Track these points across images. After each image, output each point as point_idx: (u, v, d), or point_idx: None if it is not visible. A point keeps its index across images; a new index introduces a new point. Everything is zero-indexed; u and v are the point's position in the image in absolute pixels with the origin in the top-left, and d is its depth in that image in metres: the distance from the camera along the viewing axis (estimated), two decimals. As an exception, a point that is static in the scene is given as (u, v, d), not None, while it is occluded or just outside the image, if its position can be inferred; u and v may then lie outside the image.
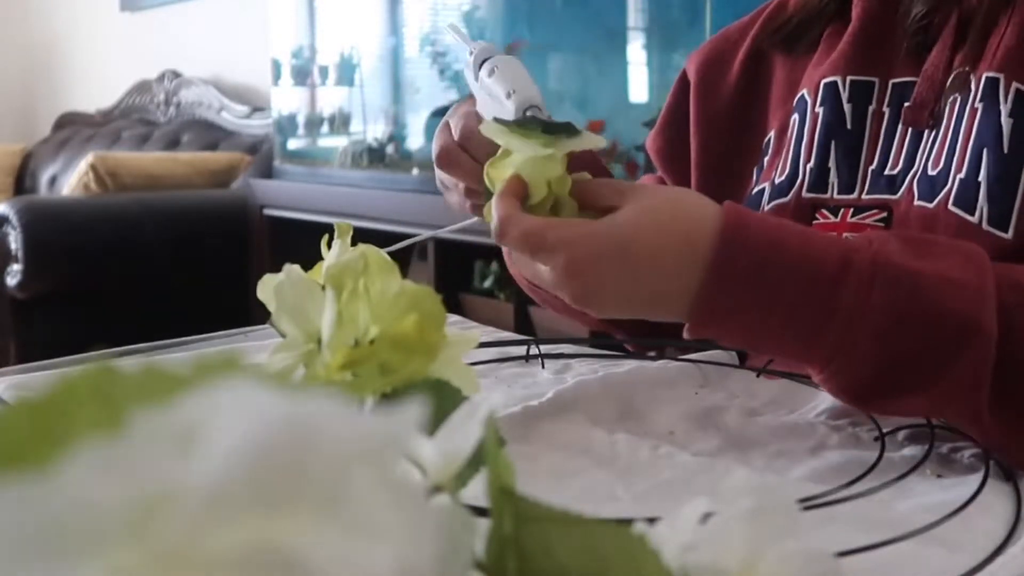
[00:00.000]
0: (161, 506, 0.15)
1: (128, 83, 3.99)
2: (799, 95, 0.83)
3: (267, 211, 2.75)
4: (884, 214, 0.75)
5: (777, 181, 0.82)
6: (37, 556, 0.14)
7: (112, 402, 0.17)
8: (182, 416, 0.16)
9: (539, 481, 0.30)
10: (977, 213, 0.68)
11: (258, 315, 0.75)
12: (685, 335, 0.59)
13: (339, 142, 2.76)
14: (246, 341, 0.84)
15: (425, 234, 0.88)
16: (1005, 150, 0.68)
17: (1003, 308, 0.55)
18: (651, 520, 0.25)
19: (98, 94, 4.16)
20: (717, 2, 1.83)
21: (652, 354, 0.79)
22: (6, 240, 2.62)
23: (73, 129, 4.10)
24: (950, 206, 0.69)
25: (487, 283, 2.28)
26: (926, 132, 0.74)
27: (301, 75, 2.92)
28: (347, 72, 2.79)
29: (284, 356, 0.44)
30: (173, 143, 3.50)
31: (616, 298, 0.59)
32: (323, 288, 0.46)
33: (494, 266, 2.25)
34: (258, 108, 3.35)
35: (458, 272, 2.30)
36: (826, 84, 0.80)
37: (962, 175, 0.69)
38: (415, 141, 2.58)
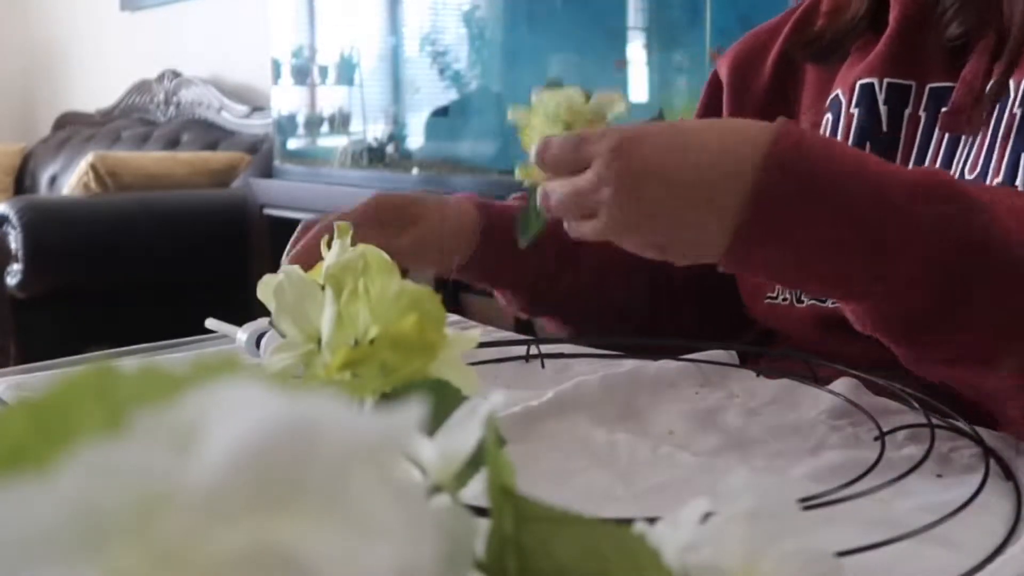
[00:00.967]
0: (161, 506, 0.15)
1: (128, 83, 3.99)
2: (833, 95, 0.83)
3: (267, 211, 2.75)
4: None
5: None
6: (37, 556, 0.14)
7: (112, 402, 0.17)
8: (182, 416, 0.16)
9: (539, 481, 0.30)
10: None
11: (258, 315, 0.75)
12: (723, 260, 0.56)
13: (339, 142, 2.76)
14: (246, 341, 0.84)
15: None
16: None
17: None
18: (651, 520, 0.25)
19: (98, 94, 4.16)
20: (717, 2, 1.83)
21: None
22: (6, 240, 2.62)
23: (73, 129, 4.10)
24: None
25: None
26: (963, 138, 0.74)
27: (301, 75, 2.91)
28: (347, 72, 2.79)
29: (284, 356, 0.44)
30: (173, 143, 3.50)
31: (660, 186, 0.55)
32: (323, 288, 0.46)
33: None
34: (258, 108, 3.35)
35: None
36: (862, 85, 0.80)
37: (999, 179, 0.69)
38: (415, 141, 2.58)
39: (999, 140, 0.70)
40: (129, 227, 2.74)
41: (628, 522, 0.25)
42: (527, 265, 0.85)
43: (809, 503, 0.44)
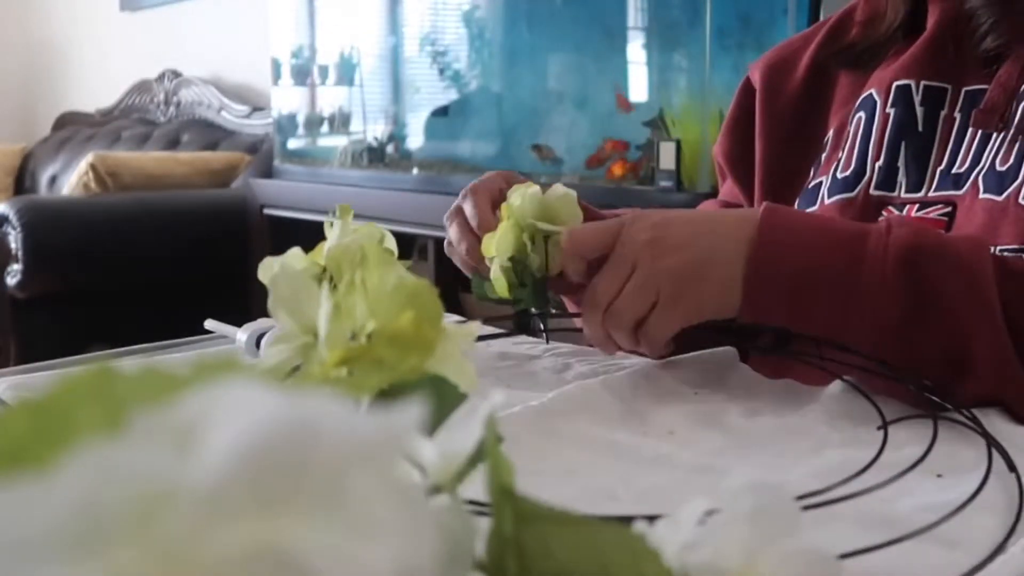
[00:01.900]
0: (161, 506, 0.15)
1: (128, 83, 3.99)
2: (866, 93, 0.85)
3: (267, 211, 2.75)
4: (948, 208, 0.77)
5: (840, 176, 0.84)
6: (37, 556, 0.14)
7: (112, 402, 0.17)
8: (182, 416, 0.16)
9: (539, 481, 0.30)
10: None
11: (258, 315, 0.75)
12: (738, 315, 0.66)
13: (339, 142, 2.76)
14: (246, 341, 0.84)
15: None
16: None
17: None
18: (651, 520, 0.25)
19: (98, 94, 4.16)
20: (717, 2, 1.83)
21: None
22: (6, 240, 2.62)
23: (73, 129, 4.10)
24: (1021, 199, 0.72)
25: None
26: (994, 134, 0.76)
27: (301, 75, 2.92)
28: (347, 72, 2.79)
29: (280, 349, 0.44)
30: (173, 143, 3.50)
31: (682, 251, 0.66)
32: (324, 270, 0.46)
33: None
34: (258, 108, 3.35)
35: (458, 271, 2.29)
36: (899, 86, 0.83)
37: None
38: (415, 141, 2.58)
39: None
40: (129, 227, 2.74)
41: (628, 522, 0.25)
42: None
43: (808, 502, 0.44)
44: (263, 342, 0.72)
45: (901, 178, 0.81)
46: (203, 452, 0.15)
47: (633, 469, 0.54)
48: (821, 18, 1.67)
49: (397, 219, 2.16)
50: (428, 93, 2.52)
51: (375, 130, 2.67)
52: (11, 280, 2.62)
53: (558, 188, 0.72)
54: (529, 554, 0.22)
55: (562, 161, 2.14)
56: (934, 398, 0.60)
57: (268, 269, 0.48)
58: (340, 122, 2.79)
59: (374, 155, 2.62)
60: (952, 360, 0.62)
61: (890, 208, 0.80)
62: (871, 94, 0.85)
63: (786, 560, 0.24)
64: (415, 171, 2.45)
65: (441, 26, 2.52)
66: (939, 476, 0.52)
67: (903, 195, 0.80)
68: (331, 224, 0.51)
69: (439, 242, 2.40)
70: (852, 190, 0.82)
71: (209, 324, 0.81)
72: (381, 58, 2.71)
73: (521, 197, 0.70)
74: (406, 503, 0.17)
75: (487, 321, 0.76)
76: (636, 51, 2.13)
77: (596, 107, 2.11)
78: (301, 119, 2.92)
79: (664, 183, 1.84)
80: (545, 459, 0.55)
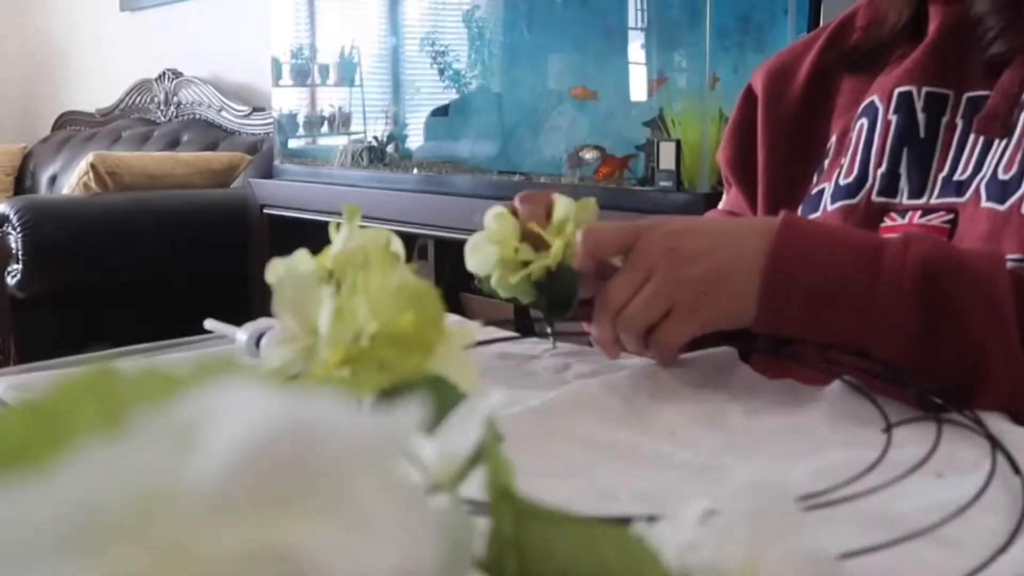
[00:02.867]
0: (161, 506, 0.15)
1: (128, 83, 3.99)
2: (868, 100, 0.85)
3: (267, 211, 2.75)
4: (951, 216, 0.77)
5: (843, 182, 0.84)
6: (37, 556, 0.14)
7: (112, 402, 0.17)
8: (182, 416, 0.16)
9: (539, 481, 0.30)
10: None
11: (258, 315, 0.75)
12: (753, 325, 0.66)
13: (339, 142, 2.76)
14: (246, 341, 0.84)
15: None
16: None
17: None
18: (651, 520, 0.25)
19: (98, 94, 4.16)
20: (717, 2, 1.83)
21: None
22: (6, 240, 2.62)
23: (73, 129, 4.10)
24: (1023, 210, 0.71)
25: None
26: (996, 141, 0.76)
27: (301, 75, 2.92)
28: (347, 72, 2.79)
29: (284, 351, 0.44)
30: (173, 143, 3.50)
31: (700, 261, 0.66)
32: (330, 274, 0.46)
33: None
34: (258, 108, 3.35)
35: (458, 271, 2.29)
36: (900, 93, 0.83)
37: None
38: (415, 141, 2.58)
39: None
40: (129, 227, 2.74)
41: (628, 522, 0.25)
42: None
43: (810, 503, 0.44)
44: (263, 342, 0.72)
45: (903, 185, 0.81)
46: (203, 452, 0.15)
47: (633, 469, 0.54)
48: (822, 17, 1.67)
49: (397, 219, 2.16)
50: (428, 93, 2.52)
51: (375, 130, 2.67)
52: (11, 280, 2.62)
53: (563, 198, 0.72)
54: (529, 554, 0.22)
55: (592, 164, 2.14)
56: (936, 400, 0.60)
57: (275, 271, 0.48)
58: (340, 122, 2.79)
59: (374, 155, 2.62)
60: (966, 374, 0.62)
61: (892, 215, 0.80)
62: (873, 101, 0.85)
63: (786, 561, 0.24)
64: (415, 171, 2.45)
65: (441, 26, 2.52)
66: (939, 476, 0.52)
67: (905, 201, 0.80)
68: (337, 226, 0.51)
69: (439, 242, 2.40)
70: (854, 197, 0.82)
71: (209, 324, 0.81)
72: (381, 58, 2.71)
73: (566, 206, 0.71)
74: (406, 503, 0.17)
75: (488, 323, 0.76)
76: (636, 51, 2.13)
77: (596, 107, 2.11)
78: (301, 119, 2.92)
79: (664, 183, 1.84)
80: (545, 459, 0.55)
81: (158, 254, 2.75)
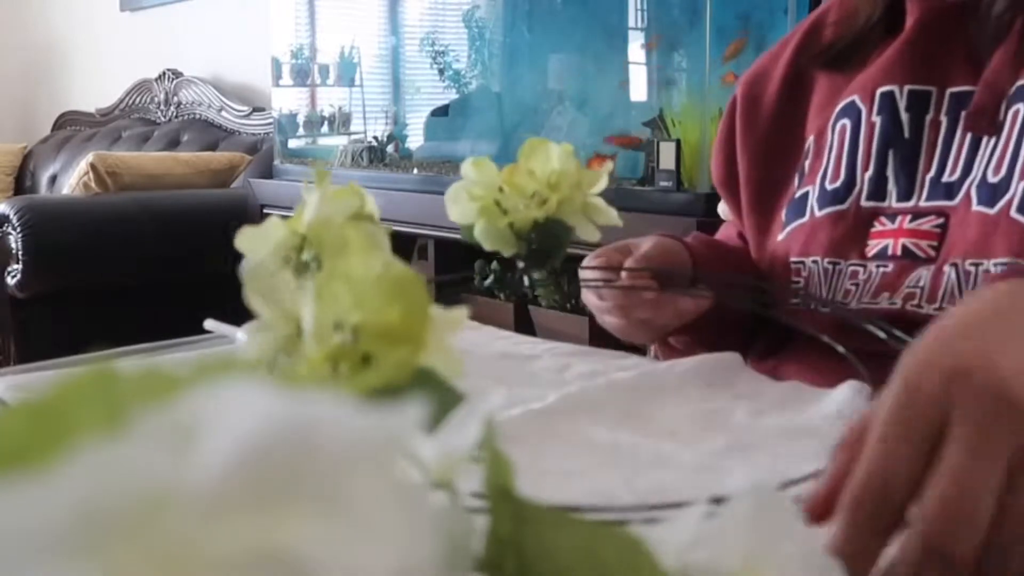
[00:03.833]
0: (161, 506, 0.15)
1: (128, 83, 3.99)
2: (849, 100, 0.84)
3: (267, 211, 2.75)
4: (941, 220, 0.76)
5: (829, 187, 0.82)
6: (37, 556, 0.14)
7: (112, 402, 0.17)
8: (182, 416, 0.16)
9: (539, 481, 0.30)
10: None
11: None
12: None
13: (339, 142, 2.76)
14: (246, 341, 0.84)
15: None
16: None
17: None
18: (652, 521, 0.25)
19: (98, 94, 4.16)
20: (717, 2, 1.83)
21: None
22: (6, 240, 2.62)
23: (73, 129, 4.10)
24: (1012, 213, 0.70)
25: (487, 283, 2.28)
26: (984, 139, 0.75)
27: (301, 75, 2.91)
28: (347, 72, 2.79)
29: (262, 340, 0.43)
30: (173, 143, 3.50)
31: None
32: (303, 240, 0.44)
33: (494, 266, 2.26)
34: (258, 108, 3.35)
35: (459, 272, 2.30)
36: (883, 93, 0.81)
37: None
38: (415, 141, 2.58)
39: None
40: (129, 227, 2.74)
41: (627, 523, 0.25)
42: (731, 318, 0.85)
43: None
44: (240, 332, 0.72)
45: (891, 187, 0.80)
46: (203, 452, 0.15)
47: (634, 469, 0.54)
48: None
49: (397, 219, 2.16)
50: (428, 93, 2.52)
51: (375, 130, 2.67)
52: (11, 280, 2.62)
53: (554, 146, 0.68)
54: (528, 555, 0.22)
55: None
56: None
57: (245, 239, 0.46)
58: (340, 122, 2.79)
59: (374, 155, 2.62)
60: None
61: (881, 219, 0.79)
62: (854, 101, 0.83)
63: (787, 562, 0.24)
64: (415, 171, 2.45)
65: (441, 26, 2.51)
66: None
67: (894, 204, 0.79)
68: (308, 184, 0.50)
69: (439, 242, 2.40)
70: (843, 202, 0.81)
71: (209, 324, 0.81)
72: (381, 58, 2.71)
73: (559, 157, 0.67)
74: (406, 503, 0.17)
75: (486, 321, 0.76)
76: (636, 51, 2.13)
77: (596, 107, 2.11)
78: (301, 119, 2.92)
79: (664, 183, 1.84)
80: (547, 459, 0.55)
81: (158, 254, 2.74)
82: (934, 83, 0.79)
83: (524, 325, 2.15)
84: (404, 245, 2.44)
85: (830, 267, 0.80)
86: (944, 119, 0.78)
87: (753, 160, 0.91)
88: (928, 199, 0.77)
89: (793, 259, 0.83)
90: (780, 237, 0.85)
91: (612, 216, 0.68)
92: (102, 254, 2.68)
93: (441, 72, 2.47)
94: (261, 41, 3.16)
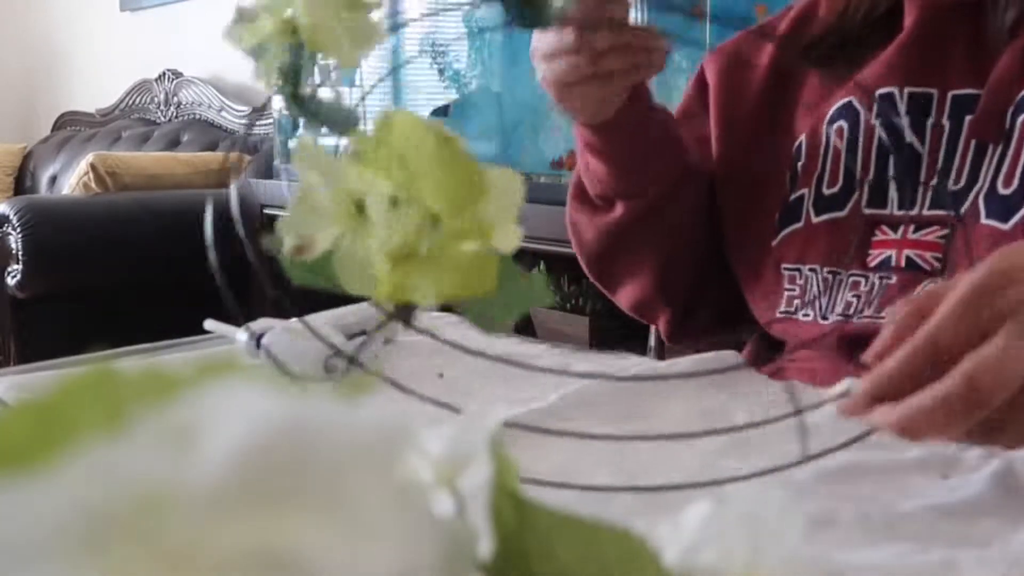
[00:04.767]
0: (161, 506, 0.15)
1: (128, 83, 3.99)
2: (845, 101, 0.80)
3: (267, 211, 2.75)
4: (945, 231, 0.73)
5: (827, 191, 0.79)
6: (37, 556, 0.14)
7: (112, 402, 0.17)
8: (182, 416, 0.16)
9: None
10: None
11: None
12: None
13: (339, 142, 2.76)
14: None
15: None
16: None
17: None
18: (652, 522, 0.25)
19: (98, 94, 4.16)
20: (717, 2, 1.83)
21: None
22: (6, 240, 2.62)
23: (73, 129, 4.10)
24: None
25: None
26: (991, 147, 0.72)
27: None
28: (347, 72, 2.79)
29: (319, 233, 0.41)
30: (173, 143, 3.50)
31: None
32: (295, 31, 0.42)
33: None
34: (258, 108, 3.35)
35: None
36: (882, 95, 0.77)
37: None
38: (415, 141, 2.57)
39: None
40: (129, 227, 2.74)
41: (630, 524, 0.25)
42: (656, 165, 0.83)
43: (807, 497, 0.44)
44: (263, 342, 0.72)
45: (892, 194, 0.76)
46: (203, 452, 0.15)
47: (635, 470, 0.54)
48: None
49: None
50: (428, 93, 2.52)
51: (375, 130, 2.67)
52: (11, 280, 2.61)
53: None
54: (530, 555, 0.22)
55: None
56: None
57: (233, 32, 0.44)
58: (340, 122, 2.79)
59: (374, 155, 2.62)
60: None
61: (883, 228, 0.76)
62: (851, 103, 0.79)
63: (788, 563, 0.24)
64: (415, 171, 2.45)
65: (441, 26, 2.51)
66: (945, 477, 0.52)
67: (896, 212, 0.76)
68: None
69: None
70: (842, 208, 0.78)
71: (209, 324, 0.81)
72: (381, 58, 2.71)
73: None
74: (406, 503, 0.17)
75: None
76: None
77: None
78: (301, 119, 2.92)
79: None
80: (548, 460, 0.55)
81: (158, 254, 2.74)
82: (935, 85, 0.76)
83: (524, 325, 2.15)
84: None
85: (830, 277, 0.77)
86: (946, 123, 0.75)
87: (729, 154, 0.87)
88: (931, 207, 0.74)
89: (788, 266, 0.80)
90: (774, 243, 0.82)
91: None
92: (102, 254, 2.68)
93: (441, 72, 2.47)
94: (261, 41, 3.16)
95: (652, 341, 1.24)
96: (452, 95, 2.46)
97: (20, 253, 2.59)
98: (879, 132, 0.78)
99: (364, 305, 0.66)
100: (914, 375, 0.44)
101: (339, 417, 0.16)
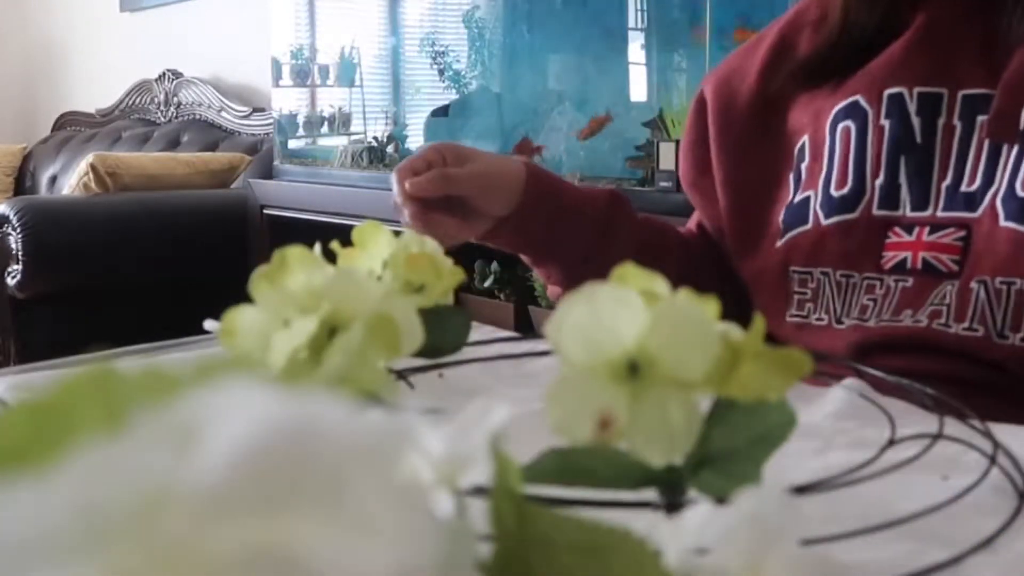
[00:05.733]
0: (161, 506, 0.15)
1: (128, 83, 3.99)
2: (851, 100, 0.79)
3: (267, 211, 2.75)
4: (963, 232, 0.72)
5: (835, 193, 0.78)
6: (37, 556, 0.14)
7: (112, 402, 0.17)
8: (182, 416, 0.16)
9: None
10: None
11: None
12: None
13: (339, 142, 2.76)
14: (246, 341, 0.84)
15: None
16: None
17: None
18: (653, 521, 0.25)
19: (98, 94, 4.16)
20: (717, 2, 1.83)
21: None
22: (6, 240, 2.62)
23: (73, 129, 4.10)
24: None
25: (487, 283, 2.28)
26: (1006, 147, 0.71)
27: (301, 75, 2.91)
28: (347, 72, 2.79)
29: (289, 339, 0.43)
30: (173, 143, 3.50)
31: None
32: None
33: (494, 266, 2.25)
34: (258, 108, 3.35)
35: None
36: (891, 95, 0.76)
37: None
38: (415, 141, 2.58)
39: None
40: (129, 227, 2.74)
41: (630, 523, 0.25)
42: (570, 238, 0.85)
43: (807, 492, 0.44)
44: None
45: (904, 196, 0.75)
46: (203, 452, 0.15)
47: (634, 469, 0.54)
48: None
49: (397, 219, 2.15)
50: (428, 93, 2.52)
51: (375, 130, 2.67)
52: (11, 280, 2.62)
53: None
54: (531, 555, 0.22)
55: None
56: (940, 397, 0.60)
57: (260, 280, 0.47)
58: (340, 122, 2.79)
59: (374, 155, 2.62)
60: None
61: (897, 230, 0.74)
62: (857, 101, 0.78)
63: (789, 562, 0.24)
64: (415, 171, 2.45)
65: (441, 26, 2.51)
66: (945, 478, 0.52)
67: (908, 214, 0.74)
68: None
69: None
70: (853, 210, 0.77)
71: (209, 324, 0.81)
72: (381, 58, 2.71)
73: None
74: (406, 503, 0.17)
75: (486, 321, 0.76)
76: (636, 51, 2.13)
77: (596, 107, 2.11)
78: (301, 119, 2.92)
79: (664, 183, 1.84)
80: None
81: (158, 254, 2.74)
82: (945, 85, 0.75)
83: (524, 325, 2.15)
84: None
85: (843, 280, 0.76)
86: (958, 123, 0.74)
87: (732, 163, 0.86)
88: (946, 209, 0.73)
89: (798, 269, 0.79)
90: (778, 244, 0.81)
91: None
92: (102, 254, 2.68)
93: (441, 72, 2.47)
94: (261, 41, 3.16)
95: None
96: (452, 95, 2.46)
97: (20, 253, 2.59)
98: (889, 133, 0.76)
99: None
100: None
101: (339, 417, 0.16)
